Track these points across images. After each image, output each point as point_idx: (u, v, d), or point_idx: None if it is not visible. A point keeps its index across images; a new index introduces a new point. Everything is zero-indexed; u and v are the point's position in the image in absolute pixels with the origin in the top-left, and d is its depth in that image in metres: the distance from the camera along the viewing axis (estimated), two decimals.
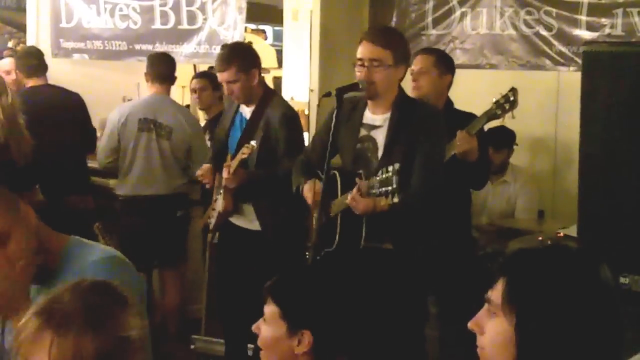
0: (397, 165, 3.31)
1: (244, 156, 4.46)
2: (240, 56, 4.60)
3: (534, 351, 1.60)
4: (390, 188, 3.31)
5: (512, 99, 4.23)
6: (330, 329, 2.36)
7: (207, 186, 4.84)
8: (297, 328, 2.33)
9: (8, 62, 6.14)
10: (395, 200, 3.32)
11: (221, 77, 4.57)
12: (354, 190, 3.55)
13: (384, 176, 3.35)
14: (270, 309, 2.38)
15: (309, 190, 3.81)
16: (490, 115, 4.28)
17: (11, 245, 2.29)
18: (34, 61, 5.86)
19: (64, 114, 5.69)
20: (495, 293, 1.67)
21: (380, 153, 3.71)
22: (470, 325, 1.72)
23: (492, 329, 1.68)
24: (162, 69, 5.53)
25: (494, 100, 4.28)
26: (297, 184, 3.96)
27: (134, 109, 5.49)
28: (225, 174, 4.57)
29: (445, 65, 4.61)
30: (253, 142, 4.44)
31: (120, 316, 1.82)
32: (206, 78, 6.47)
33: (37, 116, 5.34)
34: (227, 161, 4.66)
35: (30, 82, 5.82)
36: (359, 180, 3.55)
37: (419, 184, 3.58)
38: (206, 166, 4.76)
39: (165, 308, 5.55)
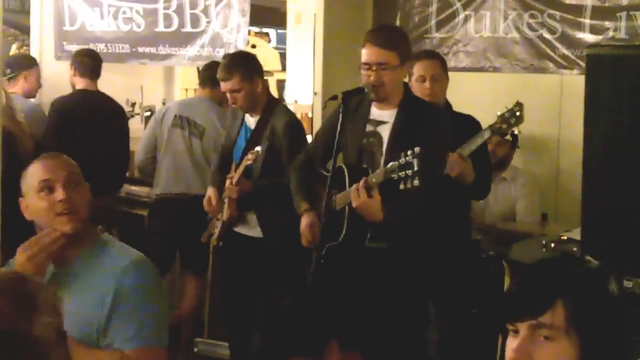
0: (417, 149, 3.28)
1: (249, 162, 4.46)
2: (243, 65, 4.61)
3: None
4: (410, 172, 3.29)
5: (518, 114, 4.16)
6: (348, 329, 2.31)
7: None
8: (319, 351, 2.21)
9: None
10: (416, 183, 3.29)
11: (224, 86, 4.58)
12: (362, 181, 3.52)
13: (404, 160, 3.32)
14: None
15: (306, 228, 3.81)
16: (494, 129, 4.23)
17: (79, 190, 2.64)
18: (92, 65, 5.94)
19: (102, 122, 5.77)
20: (557, 316, 1.61)
21: (385, 147, 3.70)
22: (516, 355, 1.63)
23: (551, 354, 1.61)
24: (204, 74, 5.72)
25: (498, 113, 4.22)
26: (297, 207, 3.94)
27: (173, 106, 5.68)
28: (228, 184, 4.58)
29: (447, 69, 4.60)
30: (258, 148, 4.44)
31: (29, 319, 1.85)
32: None
33: (76, 119, 5.66)
34: (231, 171, 4.67)
35: (82, 83, 5.88)
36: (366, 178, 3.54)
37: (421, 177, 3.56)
38: (212, 199, 4.78)
39: (181, 312, 5.54)
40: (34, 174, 2.65)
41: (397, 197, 3.47)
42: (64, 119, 5.72)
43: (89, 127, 5.67)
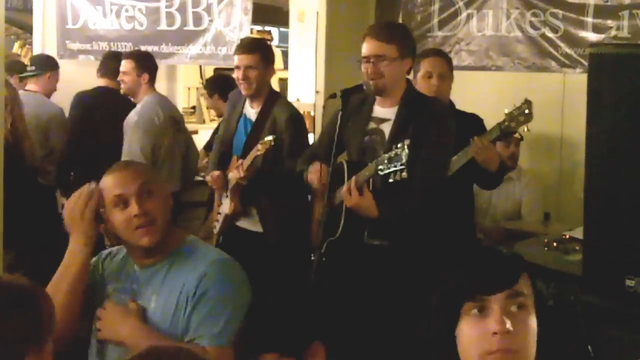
0: (407, 141, 3.30)
1: (259, 153, 4.41)
2: (265, 48, 4.74)
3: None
4: (399, 164, 3.31)
5: (527, 111, 4.15)
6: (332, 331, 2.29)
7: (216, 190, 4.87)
8: (301, 352, 2.20)
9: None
10: (404, 175, 3.31)
11: (242, 59, 4.57)
12: (352, 181, 3.56)
13: (393, 152, 3.34)
14: None
15: (315, 172, 3.80)
16: (503, 127, 4.22)
17: (154, 199, 2.59)
18: (109, 64, 6.02)
19: (119, 118, 5.75)
20: (526, 284, 1.67)
21: (386, 145, 3.70)
22: (501, 327, 1.65)
23: (527, 321, 1.66)
24: (156, 68, 5.77)
25: (506, 111, 4.20)
26: (301, 169, 3.95)
27: (163, 109, 5.60)
28: (236, 174, 4.54)
29: (452, 68, 4.58)
30: (269, 137, 4.39)
31: None
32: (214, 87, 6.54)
33: (95, 112, 5.84)
34: (233, 162, 4.65)
35: (102, 82, 6.03)
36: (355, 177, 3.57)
37: (419, 180, 3.57)
38: (216, 173, 4.76)
39: None
40: (108, 188, 2.63)
41: (391, 194, 3.49)
42: (84, 110, 5.89)
43: (106, 121, 5.76)
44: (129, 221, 2.57)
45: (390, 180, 3.38)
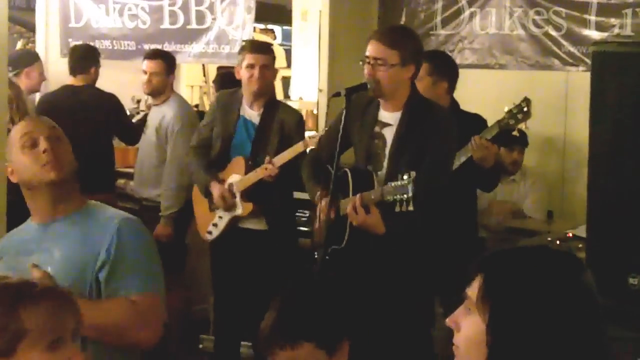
0: (413, 173, 3.34)
1: (303, 149, 4.39)
2: (272, 51, 4.90)
3: (504, 349, 1.56)
4: (405, 196, 3.34)
5: (525, 109, 4.16)
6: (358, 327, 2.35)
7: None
8: (334, 347, 2.27)
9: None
10: (410, 208, 3.35)
11: (259, 59, 4.65)
12: (357, 199, 3.56)
13: (399, 183, 3.37)
14: (301, 350, 2.25)
15: (323, 211, 3.77)
16: (502, 125, 4.23)
17: (64, 146, 2.61)
18: (70, 61, 5.95)
19: (80, 115, 5.68)
20: (472, 290, 1.63)
21: (387, 151, 3.71)
22: (447, 321, 1.68)
23: (467, 326, 1.63)
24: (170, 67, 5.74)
25: (506, 109, 4.21)
26: (311, 194, 3.94)
27: (170, 108, 5.62)
28: (264, 172, 4.49)
29: (440, 72, 4.51)
30: (313, 133, 4.43)
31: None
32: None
33: (56, 114, 5.47)
34: (237, 164, 4.66)
35: (68, 81, 5.94)
36: (360, 195, 3.58)
37: (422, 193, 3.57)
38: (226, 192, 4.72)
39: (170, 309, 5.56)
40: (16, 132, 2.62)
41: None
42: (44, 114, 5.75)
43: (69, 121, 5.58)
44: (37, 157, 2.56)
45: (397, 210, 3.41)
